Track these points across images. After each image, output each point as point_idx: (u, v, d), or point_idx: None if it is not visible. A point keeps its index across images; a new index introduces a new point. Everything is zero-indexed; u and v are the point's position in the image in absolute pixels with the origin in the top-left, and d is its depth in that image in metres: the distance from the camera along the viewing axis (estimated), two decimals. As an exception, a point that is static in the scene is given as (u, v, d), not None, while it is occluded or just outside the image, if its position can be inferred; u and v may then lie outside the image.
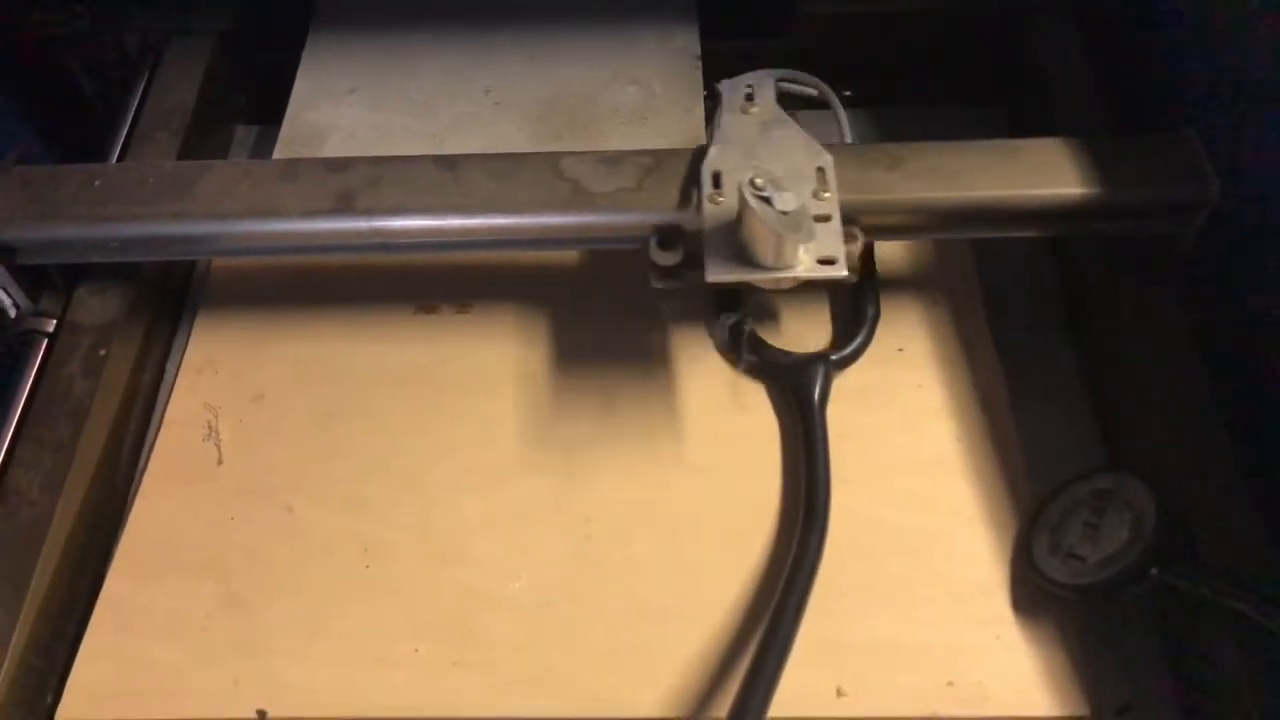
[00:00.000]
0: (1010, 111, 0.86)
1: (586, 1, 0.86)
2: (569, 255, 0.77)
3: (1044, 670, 0.59)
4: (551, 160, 0.70)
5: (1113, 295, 0.69)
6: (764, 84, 0.71)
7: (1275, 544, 0.57)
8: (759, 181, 0.60)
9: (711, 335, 0.73)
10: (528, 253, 0.76)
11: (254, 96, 0.90)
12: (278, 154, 0.79)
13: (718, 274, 0.61)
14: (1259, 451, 0.61)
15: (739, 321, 0.72)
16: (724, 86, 0.71)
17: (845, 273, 0.60)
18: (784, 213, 0.59)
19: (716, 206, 0.64)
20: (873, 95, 0.85)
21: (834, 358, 0.70)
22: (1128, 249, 0.70)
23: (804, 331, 0.73)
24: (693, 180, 0.67)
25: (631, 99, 0.80)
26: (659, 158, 0.70)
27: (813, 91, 0.78)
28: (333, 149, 0.78)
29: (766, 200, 0.59)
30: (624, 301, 0.74)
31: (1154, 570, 0.57)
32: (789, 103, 0.86)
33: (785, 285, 0.62)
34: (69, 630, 0.63)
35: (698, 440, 0.68)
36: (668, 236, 0.66)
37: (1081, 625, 0.60)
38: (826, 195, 0.63)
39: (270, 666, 0.60)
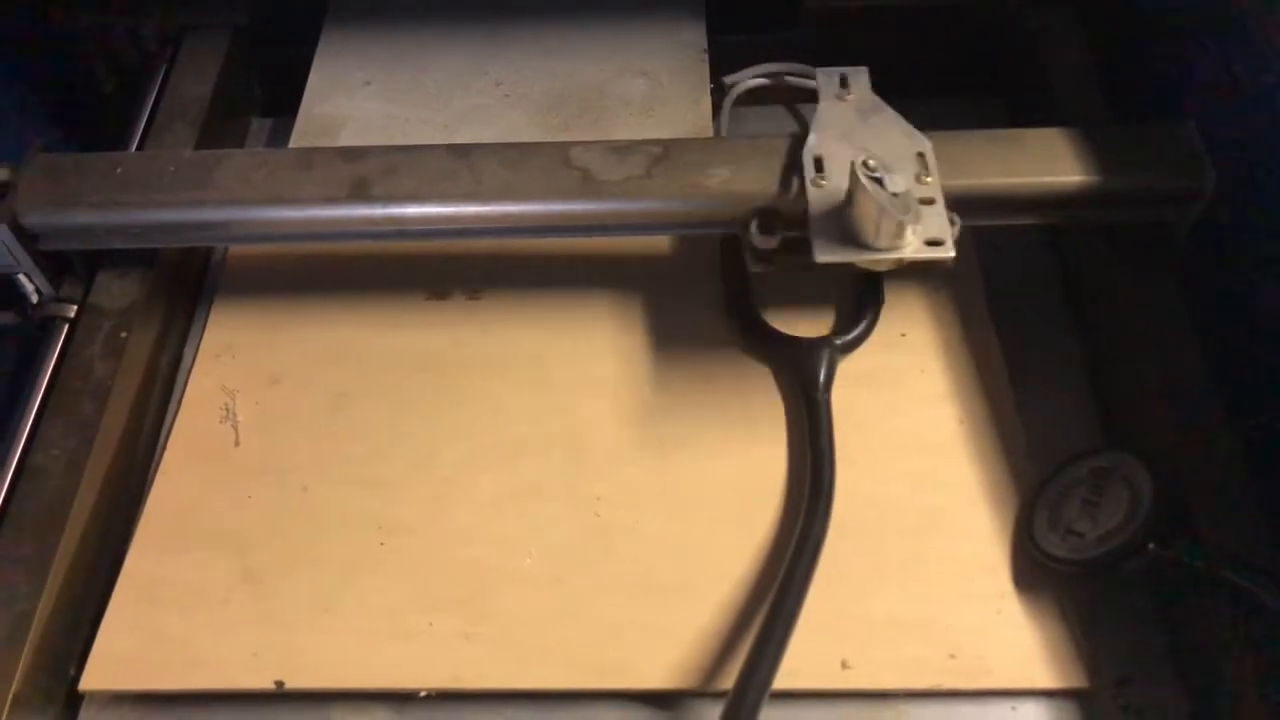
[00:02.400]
0: (1011, 102, 0.87)
1: (595, -4, 0.88)
2: (578, 243, 0.78)
3: (1044, 644, 0.60)
4: (562, 149, 0.72)
5: (1112, 281, 0.71)
6: (858, 73, 0.72)
7: (1270, 519, 0.59)
8: (871, 163, 0.61)
9: (721, 322, 0.74)
10: (538, 240, 0.77)
11: (269, 89, 0.92)
12: (293, 145, 0.80)
13: (826, 254, 0.62)
14: (1254, 430, 0.62)
15: (748, 310, 0.74)
16: (819, 75, 0.72)
17: (952, 254, 0.61)
18: (894, 194, 0.60)
19: (820, 190, 0.65)
20: (876, 87, 0.86)
21: (839, 342, 0.71)
22: (1126, 236, 0.71)
23: (809, 317, 0.74)
24: (792, 166, 0.68)
25: (639, 91, 0.82)
26: (667, 147, 0.71)
27: (816, 85, 0.80)
28: (347, 140, 0.80)
29: (878, 181, 0.60)
30: (632, 288, 0.76)
31: (1151, 545, 0.58)
32: (793, 95, 0.88)
33: (890, 266, 0.63)
34: (91, 603, 0.64)
35: (705, 422, 0.69)
36: (767, 221, 0.67)
37: (1081, 600, 0.61)
38: (929, 179, 0.65)
39: (287, 639, 0.62)
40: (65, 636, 0.62)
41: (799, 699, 0.59)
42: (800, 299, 0.75)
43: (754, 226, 0.67)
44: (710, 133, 0.80)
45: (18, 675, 0.58)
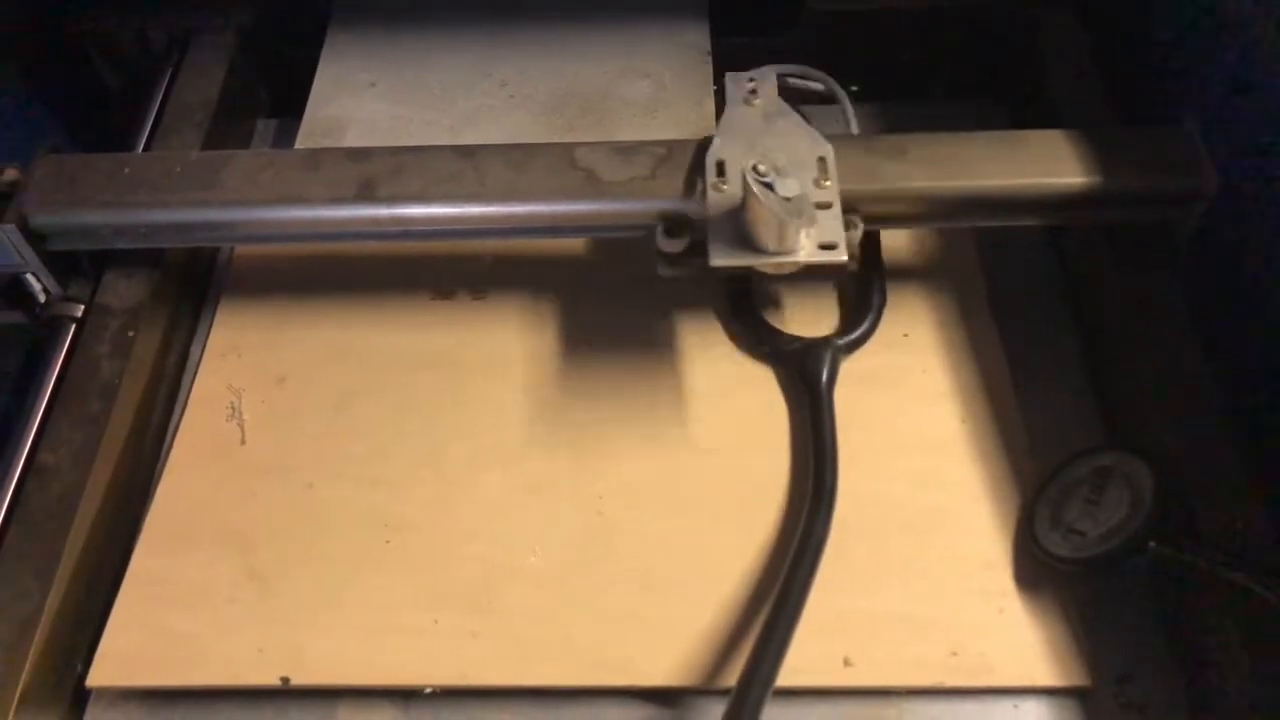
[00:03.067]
0: (1013, 105, 0.87)
1: (600, -2, 0.89)
2: (582, 243, 0.79)
3: (1046, 641, 0.60)
4: (567, 150, 0.72)
5: (1113, 281, 0.71)
6: (766, 77, 0.73)
7: (1270, 517, 0.59)
8: (761, 168, 0.62)
9: (723, 322, 0.75)
10: (542, 240, 0.78)
11: (275, 90, 0.92)
12: (299, 146, 0.81)
13: (721, 259, 0.63)
14: (1254, 429, 0.63)
15: (750, 310, 0.74)
16: (728, 80, 0.73)
17: (845, 258, 0.62)
18: (786, 198, 0.61)
19: (720, 194, 0.65)
20: (879, 90, 0.87)
21: (841, 342, 0.72)
22: (1128, 237, 0.72)
23: (812, 317, 0.74)
24: (698, 170, 0.68)
25: (643, 92, 0.82)
26: (671, 148, 0.72)
27: (820, 87, 0.80)
28: (352, 141, 0.81)
29: (769, 186, 0.61)
30: (636, 288, 0.76)
31: (1152, 544, 0.59)
32: (798, 97, 0.89)
33: (786, 270, 0.63)
34: (98, 600, 0.65)
35: (708, 421, 0.70)
36: (674, 224, 0.68)
37: (1082, 598, 0.62)
38: (827, 183, 0.65)
39: (293, 636, 0.62)
40: (72, 633, 0.63)
41: (801, 696, 0.60)
42: (803, 299, 0.75)
43: (660, 230, 0.68)
44: (714, 134, 0.80)
45: (25, 671, 0.58)
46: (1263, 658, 0.55)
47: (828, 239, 0.63)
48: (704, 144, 0.69)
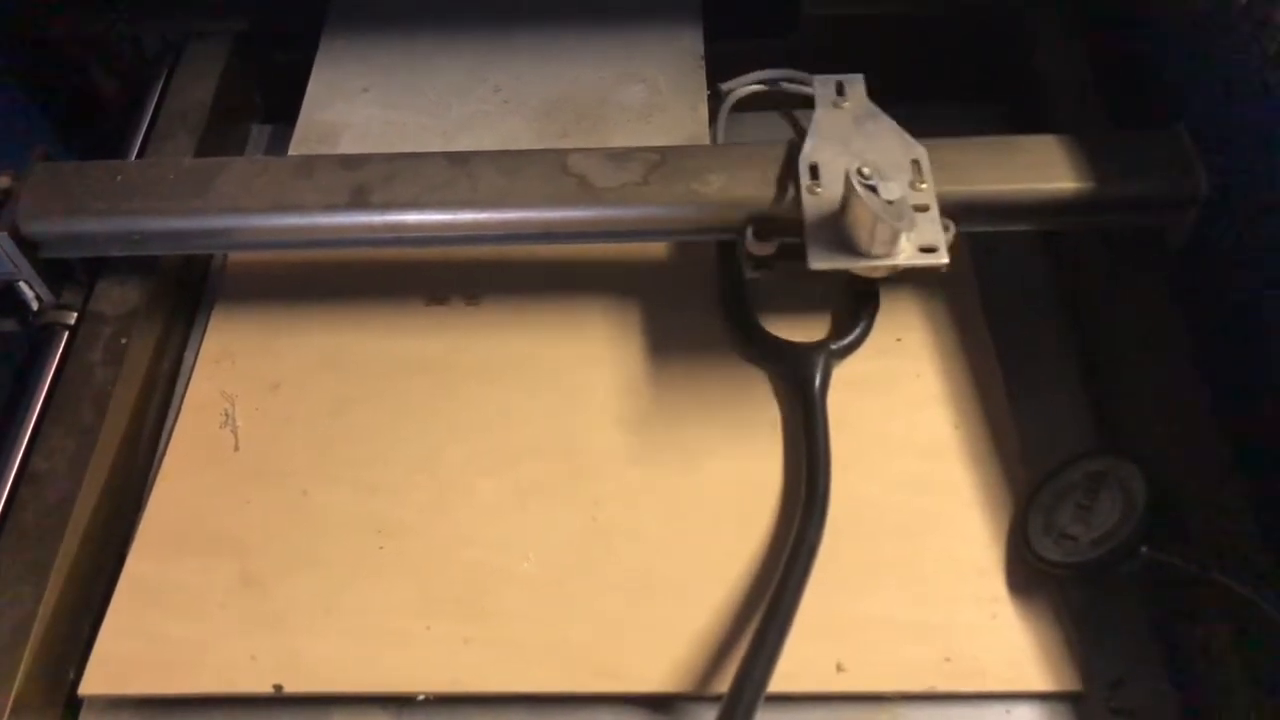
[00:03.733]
0: (1008, 110, 0.88)
1: (594, 3, 0.89)
2: (575, 249, 0.79)
3: (1038, 646, 0.60)
4: (559, 156, 0.72)
5: (1106, 285, 0.71)
6: (855, 80, 0.72)
7: (1261, 522, 0.59)
8: (865, 170, 0.62)
9: (717, 327, 0.75)
10: (536, 246, 0.78)
11: (269, 96, 0.92)
12: (292, 151, 0.81)
13: (821, 261, 0.63)
14: (1246, 434, 0.63)
15: (744, 315, 0.74)
16: (816, 83, 0.72)
17: (946, 260, 0.62)
18: (889, 201, 0.60)
19: (815, 197, 0.65)
20: (874, 95, 0.87)
21: (834, 347, 0.72)
22: (1121, 241, 0.72)
23: (805, 322, 0.74)
24: (788, 173, 0.68)
25: (637, 97, 0.83)
26: (665, 154, 0.72)
27: (813, 91, 0.80)
28: (346, 146, 0.81)
29: (872, 189, 0.61)
30: (629, 293, 0.76)
31: (1145, 549, 0.59)
32: (790, 101, 0.89)
33: (885, 273, 0.63)
34: (91, 608, 0.64)
35: (701, 426, 0.70)
36: (763, 227, 0.68)
37: (1074, 603, 0.62)
38: (924, 186, 0.65)
39: (286, 643, 0.62)
40: (65, 641, 0.62)
41: (794, 702, 0.60)
42: (796, 304, 0.75)
43: (750, 233, 0.68)
44: (707, 139, 0.81)
45: (18, 679, 0.58)
46: (1254, 663, 0.55)
47: (928, 241, 0.63)
48: (794, 146, 0.69)
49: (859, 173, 0.61)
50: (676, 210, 0.70)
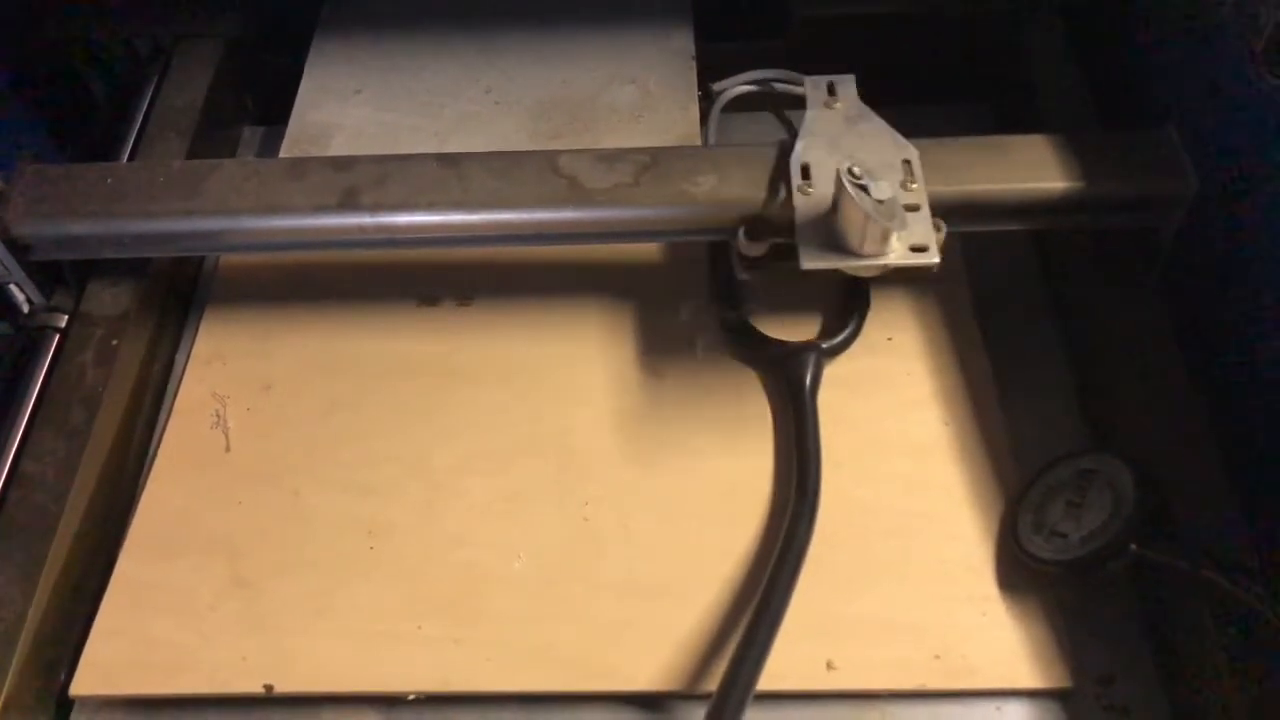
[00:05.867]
0: (997, 109, 0.88)
1: (585, 5, 0.89)
2: (566, 250, 0.79)
3: (1028, 644, 0.60)
4: (550, 158, 0.72)
5: (1096, 285, 0.71)
6: (846, 80, 0.72)
7: (1249, 520, 0.59)
8: (856, 170, 0.62)
9: (709, 327, 0.75)
10: (527, 247, 0.78)
11: (261, 98, 0.92)
12: (284, 153, 0.81)
13: (812, 261, 0.63)
14: (1234, 432, 0.63)
15: (735, 315, 0.74)
16: (808, 84, 0.72)
17: (937, 259, 0.62)
18: (880, 201, 0.60)
19: (807, 197, 0.65)
20: (865, 95, 0.87)
21: (825, 346, 0.72)
22: (1110, 241, 0.72)
23: (796, 321, 0.74)
24: (779, 174, 0.68)
25: (628, 98, 0.83)
26: (655, 155, 0.72)
27: (804, 91, 0.80)
28: (338, 148, 0.81)
29: (863, 189, 0.61)
30: (621, 294, 0.76)
31: (1134, 546, 0.59)
32: (780, 102, 0.89)
33: (874, 272, 0.63)
34: (82, 609, 0.65)
35: (693, 426, 0.70)
36: (755, 228, 0.68)
37: (1065, 600, 0.62)
38: (914, 186, 0.65)
39: (277, 643, 0.62)
40: (56, 642, 0.63)
41: (785, 700, 0.60)
42: (787, 304, 0.75)
43: (742, 234, 0.68)
44: (698, 139, 0.81)
45: (9, 680, 0.58)
46: (1242, 659, 0.55)
47: (918, 241, 0.63)
48: (786, 146, 0.69)
49: (850, 172, 0.61)
50: (668, 211, 0.70)
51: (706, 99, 0.87)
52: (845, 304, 0.75)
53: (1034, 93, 0.82)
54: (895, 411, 0.70)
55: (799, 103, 0.79)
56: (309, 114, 0.83)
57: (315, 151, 0.80)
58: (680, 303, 0.76)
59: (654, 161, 0.71)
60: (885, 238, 0.62)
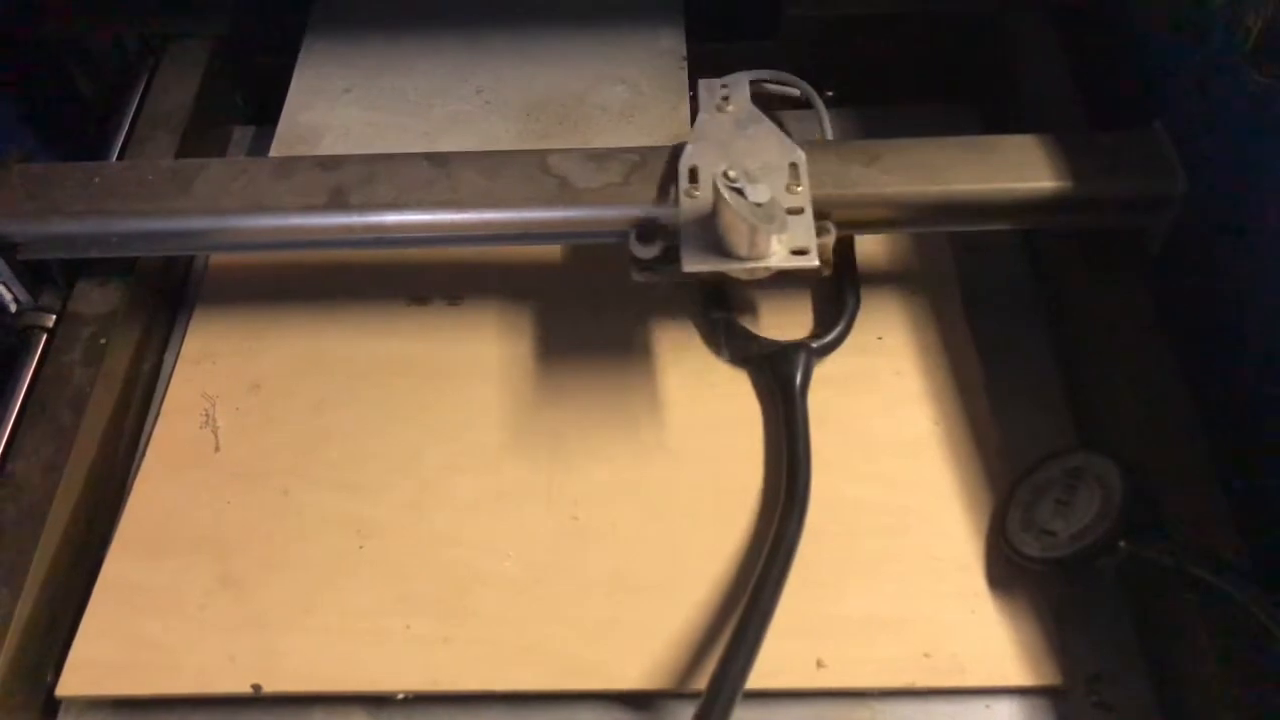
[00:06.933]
0: (986, 110, 0.88)
1: (576, 4, 0.89)
2: (556, 249, 0.79)
3: (1018, 642, 0.60)
4: (539, 157, 0.72)
5: (1085, 284, 0.71)
6: (739, 83, 0.73)
7: (1238, 517, 0.59)
8: (732, 174, 0.62)
9: (698, 326, 0.75)
10: (517, 247, 0.78)
11: (251, 98, 0.92)
12: (274, 153, 0.80)
13: (694, 264, 0.63)
14: (1222, 430, 0.63)
15: (725, 314, 0.74)
16: (701, 86, 0.73)
17: (817, 263, 0.62)
18: (757, 204, 0.61)
19: (693, 200, 0.66)
20: (855, 95, 0.87)
21: (815, 345, 0.72)
22: (1099, 240, 0.72)
23: (786, 320, 0.75)
24: (671, 176, 0.69)
25: (618, 98, 0.83)
26: (645, 154, 0.72)
27: (796, 92, 0.81)
28: (328, 147, 0.80)
29: (739, 192, 0.61)
30: (610, 293, 0.76)
31: (1122, 543, 0.59)
32: (774, 103, 0.89)
33: (759, 275, 0.63)
34: (69, 609, 0.64)
35: (682, 425, 0.70)
36: (647, 230, 0.68)
37: (1054, 598, 0.62)
38: (799, 189, 0.66)
39: (266, 643, 0.62)
40: (43, 643, 0.62)
41: (775, 698, 0.60)
42: (777, 303, 0.75)
43: (633, 236, 0.68)
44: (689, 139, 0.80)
45: (-5, 680, 0.58)
46: (1231, 654, 0.55)
47: (799, 244, 0.63)
48: (677, 150, 0.69)
49: (725, 175, 0.62)
50: (657, 211, 0.70)
51: (697, 99, 0.87)
52: (835, 303, 0.75)
53: (1023, 92, 0.82)
54: (885, 410, 0.70)
55: (789, 103, 0.80)
56: (299, 114, 0.83)
57: (305, 151, 0.80)
58: (670, 302, 0.76)
59: (643, 161, 0.71)
60: (765, 241, 0.62)
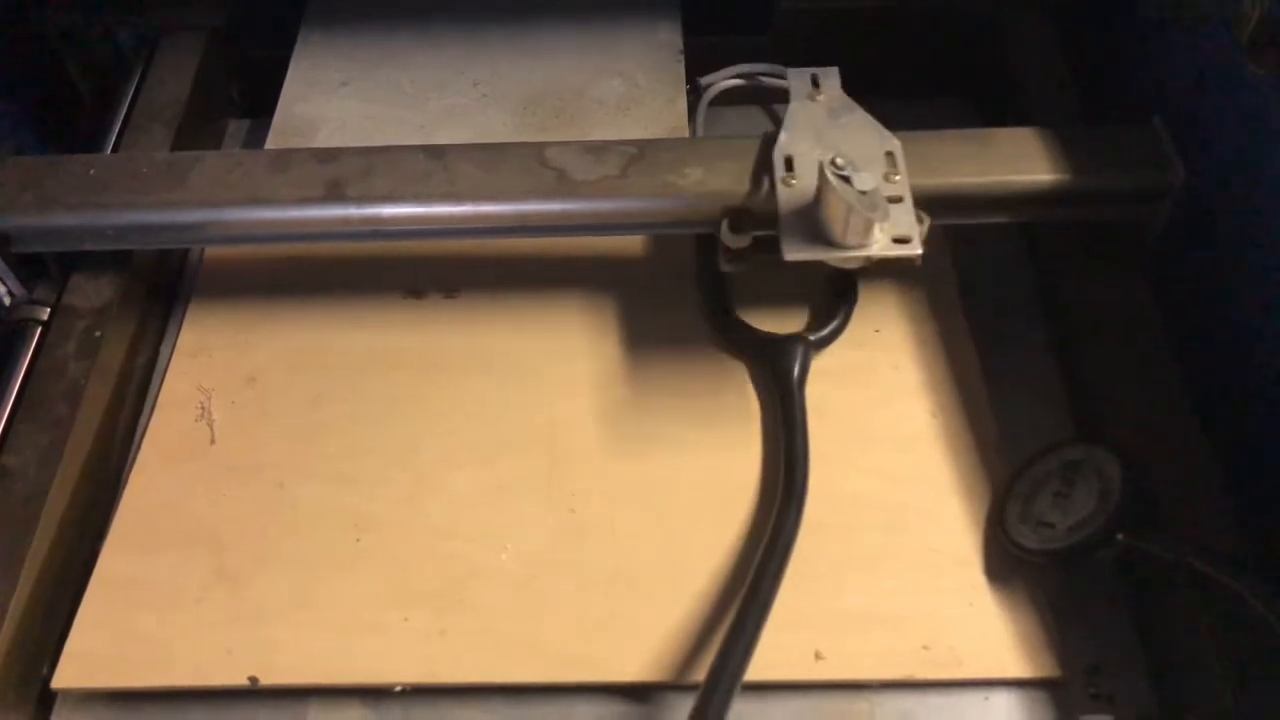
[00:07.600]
0: (982, 103, 0.88)
1: (573, -2, 0.89)
2: (554, 242, 0.79)
3: (1016, 634, 0.60)
4: (537, 150, 0.72)
5: (1083, 277, 0.71)
6: (829, 73, 0.73)
7: (1235, 509, 0.59)
8: (839, 161, 0.62)
9: (696, 319, 0.75)
10: (513, 240, 0.77)
11: (247, 90, 0.92)
12: (270, 145, 0.80)
13: (795, 253, 0.63)
14: (1220, 422, 0.63)
15: (722, 307, 0.74)
16: (791, 76, 0.73)
17: (919, 251, 0.62)
18: (862, 192, 0.60)
19: (790, 189, 0.65)
20: (851, 88, 0.87)
21: (813, 338, 0.72)
22: (1097, 233, 0.72)
23: (784, 313, 0.74)
24: (763, 166, 0.68)
25: (616, 91, 0.83)
26: (642, 147, 0.72)
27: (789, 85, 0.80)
28: (324, 140, 0.80)
29: (846, 180, 0.61)
30: (607, 285, 0.76)
31: (1121, 536, 0.59)
32: (768, 96, 0.89)
33: (859, 264, 0.63)
34: (64, 602, 0.64)
35: (680, 418, 0.70)
36: (738, 220, 0.68)
37: (1052, 590, 0.62)
38: (897, 178, 0.65)
39: (262, 636, 0.61)
40: (38, 635, 0.62)
41: (773, 690, 0.59)
42: (775, 296, 0.75)
43: (725, 226, 0.68)
44: (686, 132, 0.80)
45: (-10, 674, 0.58)
46: (1229, 646, 0.55)
47: (901, 232, 0.63)
48: (770, 138, 0.69)
49: (833, 164, 0.61)
50: (654, 204, 0.70)
51: (694, 93, 0.87)
52: (833, 296, 0.75)
53: (1020, 86, 0.82)
54: (882, 403, 0.70)
55: (785, 96, 0.79)
56: (295, 106, 0.83)
57: (301, 144, 0.80)
58: (667, 295, 0.76)
59: (641, 154, 0.71)
60: (868, 229, 0.62)
